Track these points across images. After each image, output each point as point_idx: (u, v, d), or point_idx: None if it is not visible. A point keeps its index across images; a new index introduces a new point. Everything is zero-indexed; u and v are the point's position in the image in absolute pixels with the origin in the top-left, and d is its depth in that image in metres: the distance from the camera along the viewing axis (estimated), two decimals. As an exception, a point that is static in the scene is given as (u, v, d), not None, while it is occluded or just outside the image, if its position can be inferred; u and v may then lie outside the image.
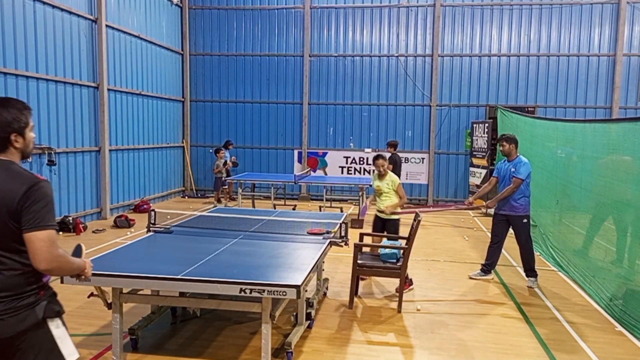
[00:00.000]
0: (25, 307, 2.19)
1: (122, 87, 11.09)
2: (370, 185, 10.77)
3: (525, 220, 6.22)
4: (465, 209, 12.07)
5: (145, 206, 11.22)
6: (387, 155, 8.54)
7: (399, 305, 5.33)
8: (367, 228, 9.66)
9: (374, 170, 6.52)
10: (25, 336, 2.19)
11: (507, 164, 6.32)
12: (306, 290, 4.44)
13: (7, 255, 2.17)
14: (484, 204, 12.17)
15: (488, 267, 6.56)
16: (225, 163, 12.38)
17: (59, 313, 2.32)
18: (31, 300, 2.21)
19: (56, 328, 2.28)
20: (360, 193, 10.69)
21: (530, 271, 6.29)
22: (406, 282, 5.79)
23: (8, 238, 2.16)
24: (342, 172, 13.97)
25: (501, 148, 6.36)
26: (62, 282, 3.45)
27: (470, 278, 6.57)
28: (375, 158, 6.37)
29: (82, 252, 2.51)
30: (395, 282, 5.98)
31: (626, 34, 12.54)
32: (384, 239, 6.01)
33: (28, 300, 2.20)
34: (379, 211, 6.33)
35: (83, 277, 2.44)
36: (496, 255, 6.51)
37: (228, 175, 12.33)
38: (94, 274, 3.53)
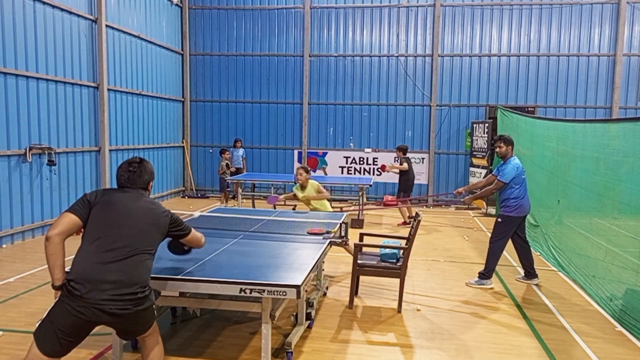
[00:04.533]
0: (149, 295, 3.07)
1: (122, 87, 11.09)
2: (370, 186, 10.91)
3: (499, 220, 6.18)
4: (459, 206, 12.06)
5: (145, 206, 11.18)
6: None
7: (399, 305, 5.33)
8: (368, 228, 9.69)
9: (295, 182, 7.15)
10: (144, 311, 3.06)
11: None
12: (306, 290, 4.44)
13: (148, 257, 3.08)
14: (484, 205, 12.21)
15: (528, 269, 6.42)
16: (227, 165, 12.33)
17: (159, 293, 3.42)
18: (149, 291, 3.09)
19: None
20: (360, 193, 10.69)
21: (484, 272, 6.25)
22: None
23: (152, 243, 3.15)
24: (342, 172, 13.97)
25: (498, 149, 6.29)
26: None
27: (517, 280, 6.49)
28: (298, 169, 6.97)
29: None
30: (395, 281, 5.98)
31: (626, 34, 12.54)
32: (384, 239, 6.02)
33: (149, 290, 3.08)
34: None
35: None
36: (524, 256, 6.37)
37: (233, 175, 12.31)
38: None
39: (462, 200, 6.78)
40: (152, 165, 3.39)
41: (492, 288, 6.20)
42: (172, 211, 3.39)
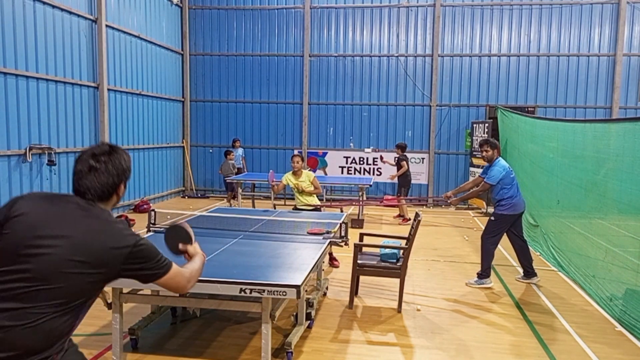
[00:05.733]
0: None
1: (122, 87, 11.09)
2: (370, 185, 10.91)
3: (492, 218, 6.23)
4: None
5: (145, 206, 11.22)
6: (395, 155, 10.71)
7: (399, 305, 5.33)
8: (368, 228, 9.69)
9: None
10: None
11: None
12: (306, 290, 4.44)
13: (55, 313, 1.83)
14: (485, 205, 12.20)
15: (527, 268, 6.42)
16: (233, 166, 12.33)
17: None
18: None
19: None
20: (360, 193, 10.69)
21: (482, 272, 6.26)
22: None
23: (70, 294, 1.85)
24: (342, 172, 13.97)
25: (484, 153, 6.30)
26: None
27: (517, 280, 6.49)
28: (294, 156, 6.99)
29: (186, 232, 2.32)
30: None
31: (626, 34, 12.54)
32: (384, 239, 6.02)
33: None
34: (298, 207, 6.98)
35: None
36: (523, 255, 6.36)
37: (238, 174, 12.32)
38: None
39: (449, 202, 6.82)
40: (128, 157, 2.12)
41: (492, 287, 6.20)
42: (144, 238, 2.02)
